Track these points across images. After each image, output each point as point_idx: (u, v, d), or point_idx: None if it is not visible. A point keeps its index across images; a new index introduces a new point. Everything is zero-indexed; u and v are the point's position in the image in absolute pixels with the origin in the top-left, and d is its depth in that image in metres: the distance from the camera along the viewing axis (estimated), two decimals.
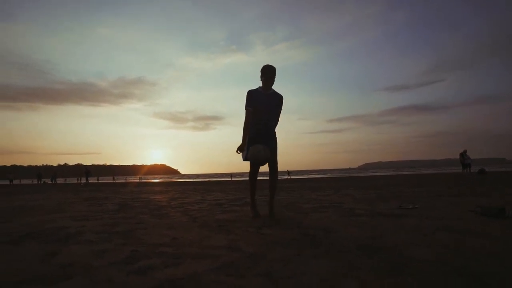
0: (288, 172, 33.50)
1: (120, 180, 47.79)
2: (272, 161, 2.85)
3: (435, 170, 40.68)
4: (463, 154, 15.58)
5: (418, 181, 11.07)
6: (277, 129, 3.01)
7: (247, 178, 3.09)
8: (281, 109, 2.96)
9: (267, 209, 2.96)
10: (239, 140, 2.80)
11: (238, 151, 2.77)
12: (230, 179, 29.90)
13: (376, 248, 1.64)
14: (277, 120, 2.99)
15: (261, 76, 2.81)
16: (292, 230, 2.19)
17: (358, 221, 2.50)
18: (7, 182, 35.37)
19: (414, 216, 2.70)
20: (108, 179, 51.05)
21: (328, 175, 40.05)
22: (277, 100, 2.90)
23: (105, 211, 3.76)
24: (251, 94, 2.82)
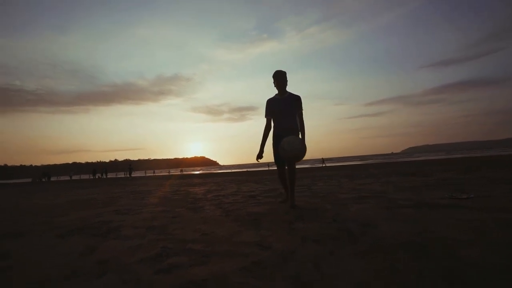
0: (323, 160, 32.77)
1: (163, 173, 50.80)
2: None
3: (494, 152, 36.41)
4: None
5: (473, 165, 9.90)
6: (312, 116, 3.05)
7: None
8: (302, 109, 3.00)
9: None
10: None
11: (258, 160, 3.00)
12: (267, 168, 30.13)
13: (423, 247, 1.45)
14: (301, 121, 2.99)
15: (274, 82, 3.01)
16: (327, 224, 2.06)
17: (401, 214, 2.27)
18: (67, 178, 39.75)
19: (467, 207, 2.38)
20: (151, 173, 54.65)
21: (369, 161, 38.24)
22: (294, 101, 2.97)
23: (146, 205, 3.95)
24: (268, 103, 3.04)
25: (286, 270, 1.24)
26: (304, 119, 2.98)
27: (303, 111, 3.00)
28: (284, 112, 2.96)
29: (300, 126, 2.96)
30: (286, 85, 3.01)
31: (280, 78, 2.97)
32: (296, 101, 2.96)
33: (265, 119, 3.07)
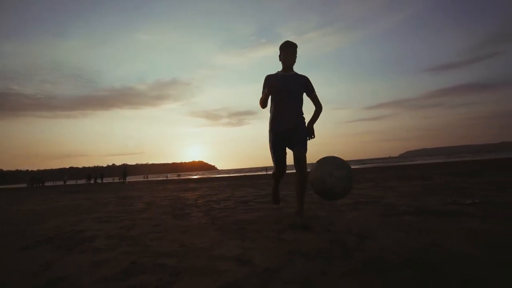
0: None
1: (160, 177, 50.41)
2: (301, 153, 2.36)
3: (495, 156, 36.01)
4: None
5: (475, 169, 9.65)
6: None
7: None
8: (314, 91, 2.49)
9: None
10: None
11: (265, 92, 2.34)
12: (265, 172, 29.90)
13: (427, 263, 1.24)
14: (318, 103, 2.51)
15: (280, 54, 2.47)
16: (319, 235, 1.85)
17: (401, 222, 2.07)
18: (61, 183, 39.38)
19: (473, 214, 2.18)
20: (151, 177, 54.29)
21: (368, 165, 38.04)
22: (301, 81, 2.45)
23: (130, 212, 3.72)
24: (267, 78, 2.48)
25: None
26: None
27: (315, 93, 2.51)
28: (287, 92, 2.40)
29: (316, 109, 2.51)
30: (294, 62, 2.47)
31: (289, 50, 2.41)
32: (305, 81, 2.46)
33: (262, 94, 2.43)
